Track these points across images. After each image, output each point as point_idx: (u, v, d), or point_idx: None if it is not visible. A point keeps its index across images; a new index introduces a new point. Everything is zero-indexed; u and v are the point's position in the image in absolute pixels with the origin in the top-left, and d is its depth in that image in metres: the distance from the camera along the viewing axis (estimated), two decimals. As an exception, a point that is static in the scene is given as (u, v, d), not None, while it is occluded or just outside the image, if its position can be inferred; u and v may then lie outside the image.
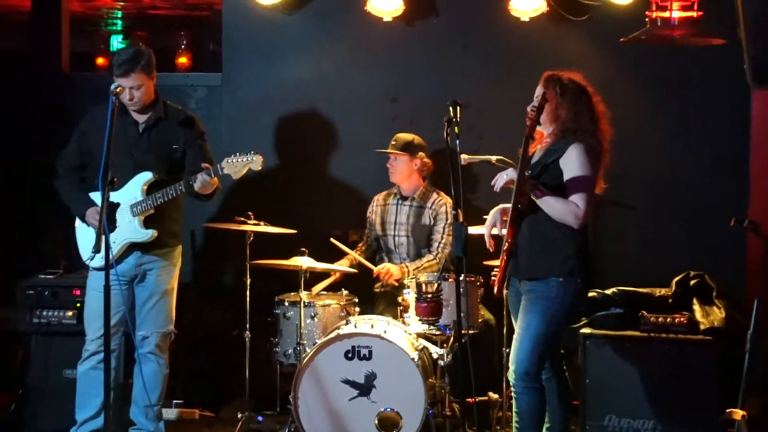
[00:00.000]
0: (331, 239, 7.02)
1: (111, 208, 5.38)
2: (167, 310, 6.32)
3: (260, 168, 6.05)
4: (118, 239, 6.06)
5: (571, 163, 5.45)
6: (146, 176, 6.15)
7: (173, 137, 6.25)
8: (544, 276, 5.48)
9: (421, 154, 7.09)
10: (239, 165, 6.01)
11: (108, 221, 5.34)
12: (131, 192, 6.12)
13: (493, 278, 5.66)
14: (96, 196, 6.17)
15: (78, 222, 6.31)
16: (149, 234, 6.15)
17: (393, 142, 7.11)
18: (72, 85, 7.85)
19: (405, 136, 7.12)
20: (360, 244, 7.34)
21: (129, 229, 6.12)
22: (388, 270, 6.94)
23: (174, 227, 6.35)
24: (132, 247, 6.19)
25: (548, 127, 5.60)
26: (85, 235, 6.27)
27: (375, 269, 7.03)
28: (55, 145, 6.59)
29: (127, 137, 6.18)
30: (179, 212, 6.40)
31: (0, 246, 8.09)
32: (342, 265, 7.03)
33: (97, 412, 6.17)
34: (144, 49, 6.19)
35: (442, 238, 7.03)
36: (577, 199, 5.40)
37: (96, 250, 5.34)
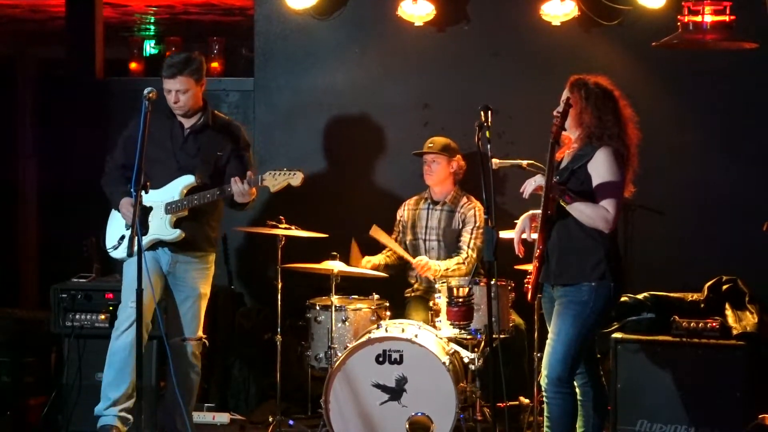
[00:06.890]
0: (374, 227, 6.98)
1: (144, 212, 5.42)
2: (199, 316, 6.33)
3: (299, 184, 6.10)
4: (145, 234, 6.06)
5: (600, 168, 5.42)
6: (188, 179, 6.18)
7: (218, 144, 6.28)
8: (576, 281, 5.46)
9: (458, 156, 7.10)
10: (280, 179, 6.07)
11: (140, 224, 5.37)
12: (170, 192, 6.16)
13: (526, 285, 5.66)
14: (135, 195, 6.20)
15: (113, 211, 6.35)
16: (176, 234, 6.17)
17: (430, 145, 7.08)
18: (106, 91, 7.92)
19: (442, 140, 7.10)
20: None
21: (158, 225, 6.14)
22: (426, 263, 6.91)
23: (210, 233, 6.36)
24: (158, 244, 6.21)
25: (574, 131, 5.58)
26: (115, 225, 6.31)
27: (413, 261, 6.98)
28: (89, 149, 6.65)
29: (173, 140, 6.25)
30: (218, 220, 6.42)
31: (35, 249, 8.17)
32: (377, 261, 7.08)
33: (128, 390, 6.17)
34: (197, 56, 6.27)
35: (469, 241, 7.01)
36: (607, 203, 5.38)
37: (129, 248, 5.33)
